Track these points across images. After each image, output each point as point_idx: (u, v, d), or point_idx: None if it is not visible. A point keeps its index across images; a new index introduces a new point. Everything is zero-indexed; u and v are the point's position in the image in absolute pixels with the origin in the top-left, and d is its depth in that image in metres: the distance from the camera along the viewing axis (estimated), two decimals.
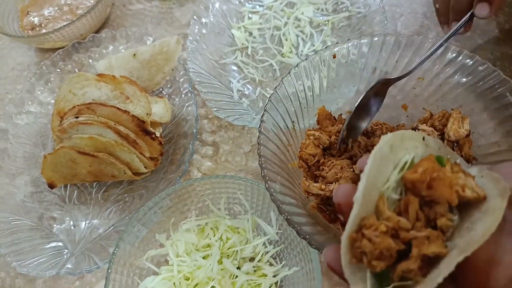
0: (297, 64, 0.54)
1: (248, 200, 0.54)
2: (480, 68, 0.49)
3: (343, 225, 0.50)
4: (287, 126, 0.53)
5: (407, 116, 0.58)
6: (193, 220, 0.54)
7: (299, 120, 0.55)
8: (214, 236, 0.53)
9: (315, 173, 0.52)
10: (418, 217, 0.28)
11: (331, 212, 0.50)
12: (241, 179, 0.51)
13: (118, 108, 0.57)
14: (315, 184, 0.50)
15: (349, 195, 0.29)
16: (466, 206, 0.29)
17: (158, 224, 0.53)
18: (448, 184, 0.28)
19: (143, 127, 0.58)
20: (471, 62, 0.50)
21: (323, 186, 0.50)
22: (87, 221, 0.61)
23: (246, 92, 0.71)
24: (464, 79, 0.51)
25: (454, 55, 0.51)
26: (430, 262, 0.27)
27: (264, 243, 0.53)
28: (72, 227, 0.61)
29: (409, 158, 0.30)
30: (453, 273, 0.25)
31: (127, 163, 0.58)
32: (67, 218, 0.62)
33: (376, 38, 0.55)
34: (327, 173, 0.50)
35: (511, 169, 0.29)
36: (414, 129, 0.53)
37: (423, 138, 0.32)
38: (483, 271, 0.26)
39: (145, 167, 0.59)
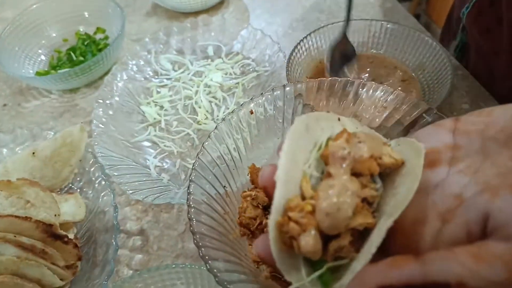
0: (216, 127, 0.51)
1: None
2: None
3: None
4: (219, 193, 0.48)
5: None
6: None
7: (230, 184, 0.51)
8: None
9: None
10: None
11: None
12: (178, 266, 0.44)
13: (16, 216, 0.48)
14: None
15: (273, 175, 0.28)
16: (387, 176, 0.29)
17: None
18: None
19: (51, 232, 0.49)
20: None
21: None
22: None
23: (166, 167, 0.66)
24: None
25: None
26: (361, 237, 0.27)
27: None
28: None
29: (326, 136, 0.30)
30: (383, 243, 0.24)
31: (38, 280, 0.48)
32: None
33: (288, 88, 0.54)
34: None
35: (425, 132, 0.31)
36: None
37: (339, 119, 0.32)
38: (411, 233, 0.26)
39: (61, 279, 0.49)
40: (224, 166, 0.51)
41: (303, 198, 0.27)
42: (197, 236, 0.40)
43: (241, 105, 0.53)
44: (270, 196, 0.29)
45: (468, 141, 0.27)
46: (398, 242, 0.26)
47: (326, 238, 0.26)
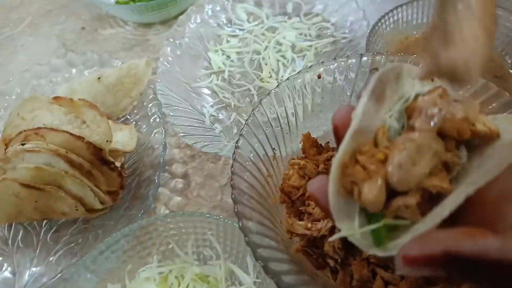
0: (278, 85, 0.48)
1: (220, 243, 0.46)
2: None
3: (333, 272, 0.42)
4: (267, 154, 0.46)
5: None
6: (155, 266, 0.45)
7: (280, 147, 0.48)
8: (179, 286, 0.44)
9: (299, 208, 0.45)
10: None
11: (318, 256, 0.42)
12: (212, 217, 0.43)
13: (71, 134, 0.49)
14: (300, 223, 0.43)
15: (349, 115, 0.25)
16: (475, 147, 0.26)
17: (111, 272, 0.44)
18: None
19: (100, 156, 0.50)
20: None
21: (309, 225, 0.42)
22: (32, 268, 0.51)
23: (220, 117, 0.64)
24: None
25: None
26: (430, 202, 0.23)
27: None
28: (11, 275, 0.51)
29: (416, 92, 0.27)
30: (453, 215, 0.22)
31: (80, 198, 0.49)
32: (6, 265, 0.52)
33: (365, 58, 0.50)
34: (313, 209, 0.43)
35: None
36: None
37: (432, 80, 0.28)
38: (493, 207, 0.23)
39: (101, 202, 0.50)
40: (278, 129, 0.48)
41: (376, 146, 0.24)
42: (236, 191, 0.38)
43: (309, 67, 0.49)
44: (339, 136, 0.27)
45: None
46: (473, 216, 0.23)
47: (390, 193, 0.23)
